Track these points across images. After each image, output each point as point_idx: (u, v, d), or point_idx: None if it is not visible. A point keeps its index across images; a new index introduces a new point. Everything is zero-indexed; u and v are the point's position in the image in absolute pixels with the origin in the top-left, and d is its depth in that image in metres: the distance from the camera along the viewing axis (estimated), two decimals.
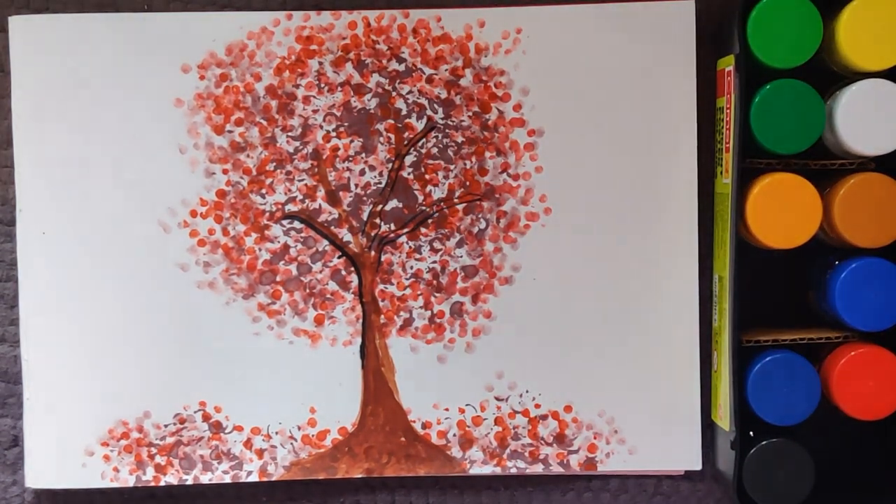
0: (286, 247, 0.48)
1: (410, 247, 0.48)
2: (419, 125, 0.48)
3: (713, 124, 0.48)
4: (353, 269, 0.48)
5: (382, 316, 0.49)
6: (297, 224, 0.48)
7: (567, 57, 0.48)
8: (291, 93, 0.48)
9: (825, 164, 0.45)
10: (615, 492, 0.50)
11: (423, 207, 0.48)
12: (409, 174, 0.48)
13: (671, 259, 0.48)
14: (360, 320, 0.49)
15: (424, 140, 0.48)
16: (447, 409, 0.49)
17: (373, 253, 0.48)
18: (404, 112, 0.48)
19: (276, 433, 0.49)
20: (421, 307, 0.49)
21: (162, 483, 0.48)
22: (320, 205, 0.48)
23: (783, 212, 0.44)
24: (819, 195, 0.44)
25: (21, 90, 0.48)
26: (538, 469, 0.49)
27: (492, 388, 0.49)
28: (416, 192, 0.48)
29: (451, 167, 0.48)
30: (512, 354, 0.48)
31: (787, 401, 0.45)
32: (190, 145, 0.48)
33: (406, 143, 0.48)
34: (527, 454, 0.49)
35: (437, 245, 0.48)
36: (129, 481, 0.48)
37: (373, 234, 0.48)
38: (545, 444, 0.49)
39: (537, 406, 0.49)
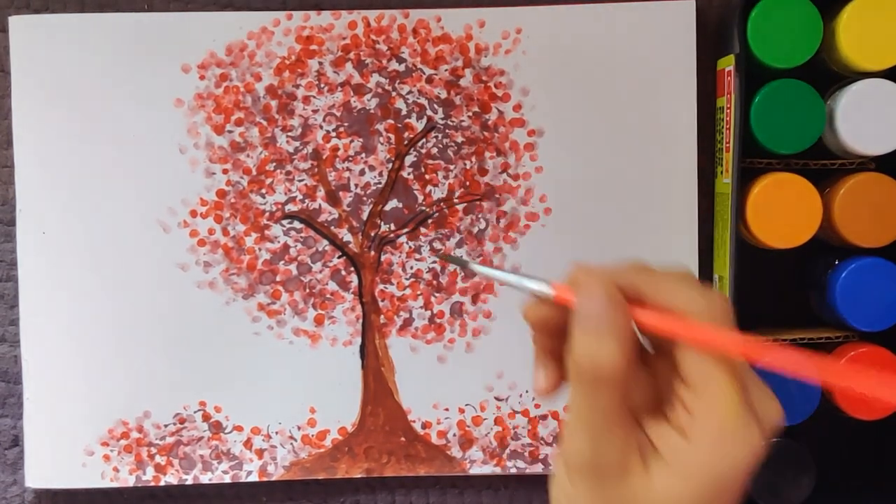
0: (286, 247, 0.48)
1: (410, 247, 0.48)
2: (419, 125, 0.48)
3: (713, 124, 0.48)
4: (352, 269, 0.48)
5: (382, 316, 0.49)
6: (297, 224, 0.48)
7: (567, 57, 0.48)
8: (291, 93, 0.48)
9: (825, 164, 0.45)
10: None
11: (423, 207, 0.48)
12: (409, 174, 0.48)
13: (671, 259, 0.48)
14: (360, 320, 0.49)
15: (424, 140, 0.48)
16: (447, 409, 0.49)
17: (373, 253, 0.48)
18: (404, 112, 0.48)
19: (276, 433, 0.49)
20: (421, 307, 0.49)
21: (162, 483, 0.48)
22: (320, 205, 0.48)
23: (783, 212, 0.44)
24: (819, 195, 0.44)
25: (21, 90, 0.48)
26: (538, 469, 0.49)
27: (492, 388, 0.49)
28: (416, 192, 0.48)
29: (451, 167, 0.48)
30: (512, 354, 0.48)
31: (787, 401, 0.45)
32: (190, 145, 0.48)
33: (406, 143, 0.48)
34: (527, 454, 0.49)
35: (437, 245, 0.48)
36: (129, 481, 0.48)
37: (373, 234, 0.48)
38: (545, 444, 0.49)
39: (537, 406, 0.49)
